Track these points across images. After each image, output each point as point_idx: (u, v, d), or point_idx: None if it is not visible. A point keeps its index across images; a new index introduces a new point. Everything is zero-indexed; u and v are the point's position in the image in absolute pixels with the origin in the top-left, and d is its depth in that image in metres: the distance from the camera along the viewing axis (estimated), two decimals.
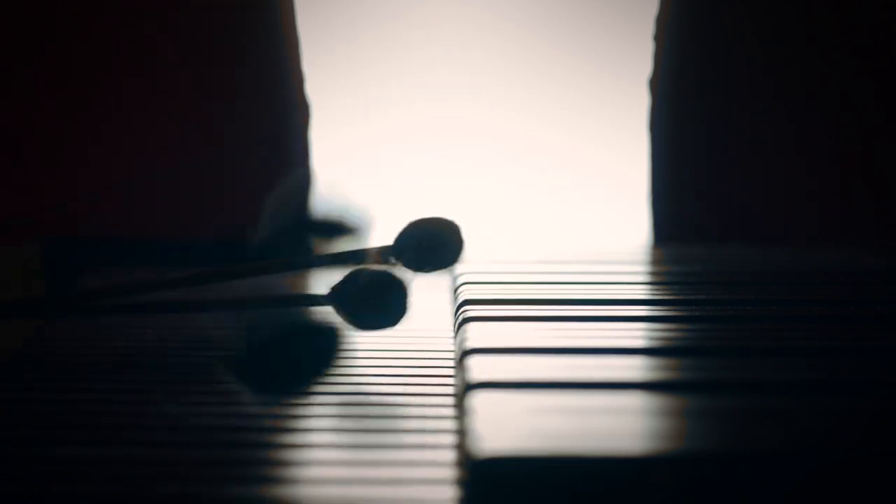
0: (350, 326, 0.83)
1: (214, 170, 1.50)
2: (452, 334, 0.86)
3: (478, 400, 0.62)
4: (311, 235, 0.97)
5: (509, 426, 0.58)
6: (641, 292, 1.00)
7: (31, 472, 0.62)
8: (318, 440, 0.68)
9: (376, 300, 0.82)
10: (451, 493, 0.59)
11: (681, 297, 0.95)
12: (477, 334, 0.76)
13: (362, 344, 0.90)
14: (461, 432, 0.63)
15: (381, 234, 1.31)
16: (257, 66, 1.48)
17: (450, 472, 0.61)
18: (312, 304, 0.84)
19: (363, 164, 1.49)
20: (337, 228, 0.96)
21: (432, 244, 0.86)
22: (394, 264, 0.86)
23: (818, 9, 1.50)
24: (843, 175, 1.52)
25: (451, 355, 0.83)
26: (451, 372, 0.79)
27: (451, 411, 0.71)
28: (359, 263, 0.89)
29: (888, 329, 0.80)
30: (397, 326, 0.83)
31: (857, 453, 0.53)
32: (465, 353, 0.71)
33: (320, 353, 0.76)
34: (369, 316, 0.83)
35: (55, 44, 1.48)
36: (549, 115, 1.50)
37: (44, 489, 0.60)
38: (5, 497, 0.59)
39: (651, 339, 0.81)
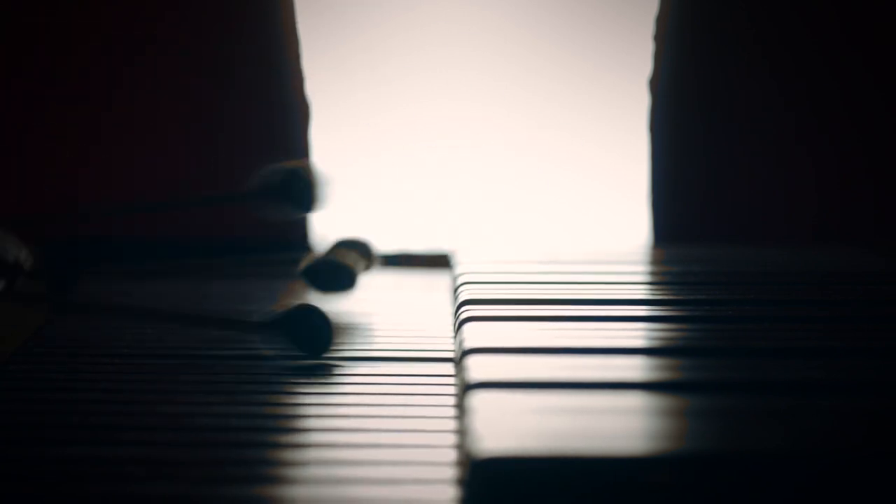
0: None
1: (214, 170, 1.50)
2: (452, 334, 0.86)
3: (478, 400, 0.62)
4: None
5: (509, 426, 0.58)
6: (641, 292, 1.00)
7: (31, 472, 0.62)
8: (318, 440, 0.68)
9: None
10: (451, 493, 0.59)
11: (681, 297, 0.95)
12: (477, 334, 0.76)
13: (362, 344, 0.90)
14: (461, 432, 0.63)
15: (378, 234, 1.32)
16: (257, 65, 1.48)
17: (450, 472, 0.61)
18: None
19: (363, 163, 1.49)
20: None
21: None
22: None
23: (819, 9, 1.50)
24: (843, 175, 1.52)
25: (451, 355, 0.83)
26: (451, 372, 0.79)
27: (451, 411, 0.71)
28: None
29: (888, 329, 0.80)
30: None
31: (857, 453, 0.53)
32: (465, 353, 0.71)
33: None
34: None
35: (55, 45, 1.48)
36: (549, 115, 1.50)
37: (45, 489, 0.60)
38: (7, 497, 0.59)
39: (651, 339, 0.81)
